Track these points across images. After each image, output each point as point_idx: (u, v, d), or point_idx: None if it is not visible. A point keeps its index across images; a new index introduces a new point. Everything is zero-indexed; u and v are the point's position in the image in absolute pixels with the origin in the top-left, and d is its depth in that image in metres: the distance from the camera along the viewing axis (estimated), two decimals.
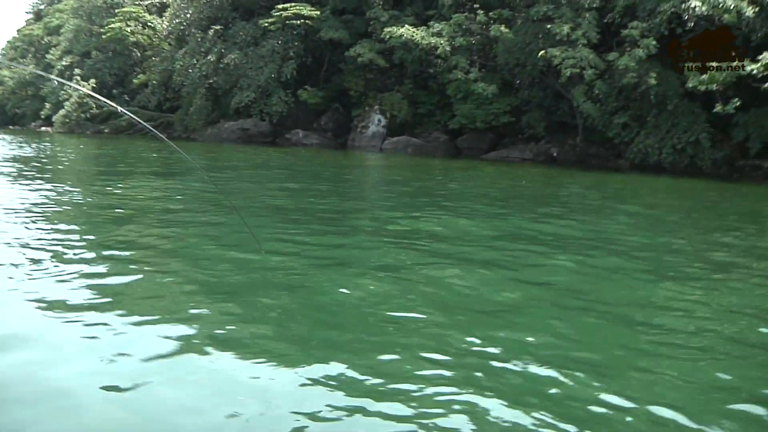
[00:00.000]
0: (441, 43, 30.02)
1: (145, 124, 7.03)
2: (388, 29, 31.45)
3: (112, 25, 43.55)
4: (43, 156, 21.03)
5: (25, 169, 14.98)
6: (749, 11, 22.08)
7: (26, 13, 77.63)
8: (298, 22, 33.41)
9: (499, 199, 13.43)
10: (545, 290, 5.50)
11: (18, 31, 74.04)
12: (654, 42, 24.96)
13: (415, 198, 12.76)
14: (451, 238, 7.90)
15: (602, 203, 14.31)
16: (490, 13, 30.49)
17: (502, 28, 28.94)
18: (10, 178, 12.43)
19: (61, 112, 46.24)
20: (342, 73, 34.89)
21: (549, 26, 27.31)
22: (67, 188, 11.39)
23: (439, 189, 15.36)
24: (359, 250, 6.94)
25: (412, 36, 30.51)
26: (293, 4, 34.20)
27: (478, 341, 3.97)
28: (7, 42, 75.02)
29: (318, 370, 3.42)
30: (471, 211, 10.74)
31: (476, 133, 31.57)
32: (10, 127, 59.17)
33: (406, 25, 31.38)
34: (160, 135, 6.96)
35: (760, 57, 21.26)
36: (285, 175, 16.92)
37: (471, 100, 30.31)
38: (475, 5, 31.22)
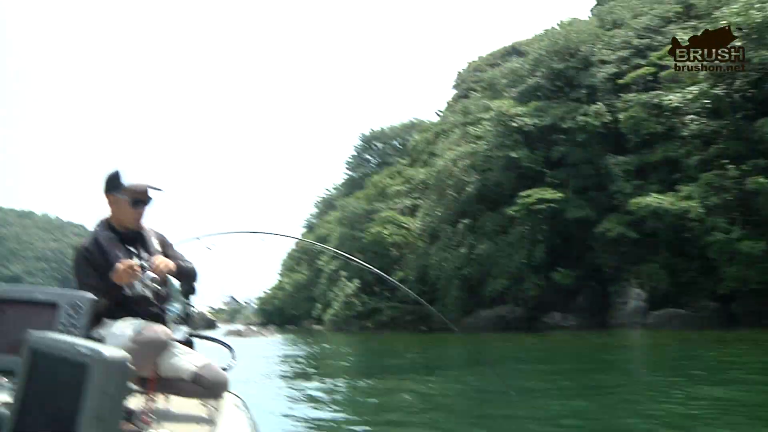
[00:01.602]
0: (692, 206, 28.72)
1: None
2: (634, 200, 30.99)
3: (372, 230, 48.36)
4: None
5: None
6: None
7: (302, 227, 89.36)
8: (543, 206, 34.29)
9: None
10: None
11: (296, 243, 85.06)
12: None
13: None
14: None
15: None
16: (743, 166, 28.76)
17: (760, 179, 27.04)
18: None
19: (331, 311, 51.05)
20: (593, 250, 34.47)
21: None
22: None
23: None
24: None
25: (661, 203, 29.67)
26: (535, 189, 35.38)
27: None
28: (287, 254, 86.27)
29: None
30: None
31: (753, 297, 28.59)
32: (288, 326, 66.03)
33: (653, 194, 30.71)
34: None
35: None
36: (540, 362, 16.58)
37: (739, 260, 27.93)
38: (722, 160, 29.72)
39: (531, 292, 34.92)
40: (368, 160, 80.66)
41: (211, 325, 47.57)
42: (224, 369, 3.52)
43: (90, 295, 1.65)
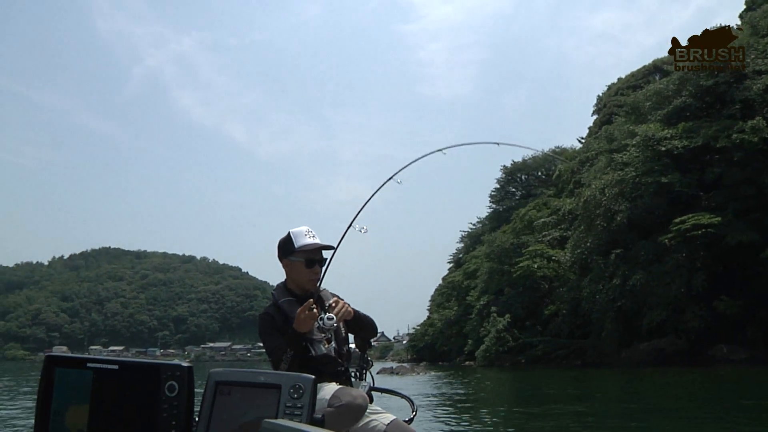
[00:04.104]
0: None
1: None
2: None
3: (521, 264, 47.91)
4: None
5: None
6: None
7: (448, 263, 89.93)
8: (699, 231, 32.40)
9: None
10: None
11: (443, 278, 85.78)
12: None
13: None
14: None
15: None
16: None
17: None
18: None
19: (482, 346, 50.86)
20: (760, 276, 31.97)
21: None
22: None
23: None
24: None
25: None
26: (690, 215, 33.53)
27: None
28: (435, 290, 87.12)
29: None
30: None
31: None
32: (439, 363, 66.25)
33: None
34: None
35: None
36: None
37: None
38: None
39: (693, 324, 32.85)
40: (512, 193, 79.97)
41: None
42: (406, 421, 3.47)
43: (312, 377, 1.80)
